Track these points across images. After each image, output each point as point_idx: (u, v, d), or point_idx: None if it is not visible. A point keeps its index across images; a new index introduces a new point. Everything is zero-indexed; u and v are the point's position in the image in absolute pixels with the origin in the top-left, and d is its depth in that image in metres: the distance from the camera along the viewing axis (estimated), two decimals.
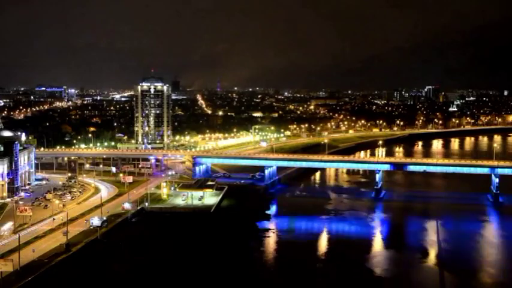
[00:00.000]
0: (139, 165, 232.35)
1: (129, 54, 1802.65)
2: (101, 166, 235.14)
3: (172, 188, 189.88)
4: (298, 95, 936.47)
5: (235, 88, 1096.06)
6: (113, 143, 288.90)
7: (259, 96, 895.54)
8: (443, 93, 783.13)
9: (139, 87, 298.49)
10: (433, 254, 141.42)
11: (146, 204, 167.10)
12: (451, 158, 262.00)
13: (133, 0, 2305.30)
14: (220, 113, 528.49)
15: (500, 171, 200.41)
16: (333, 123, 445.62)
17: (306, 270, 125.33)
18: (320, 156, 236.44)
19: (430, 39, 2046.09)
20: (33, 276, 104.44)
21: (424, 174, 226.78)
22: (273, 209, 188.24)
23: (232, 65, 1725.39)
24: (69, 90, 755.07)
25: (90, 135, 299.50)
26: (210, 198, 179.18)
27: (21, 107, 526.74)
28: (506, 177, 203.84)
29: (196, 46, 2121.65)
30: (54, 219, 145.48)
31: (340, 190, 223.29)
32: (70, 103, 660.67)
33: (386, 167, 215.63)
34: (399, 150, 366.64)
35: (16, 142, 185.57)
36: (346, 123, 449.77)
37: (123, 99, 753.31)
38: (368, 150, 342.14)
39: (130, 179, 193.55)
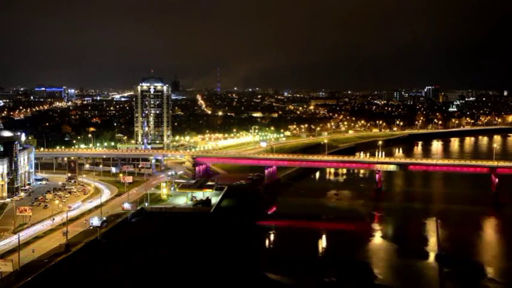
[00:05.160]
0: (139, 166, 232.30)
1: (129, 54, 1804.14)
2: (101, 166, 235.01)
3: (172, 188, 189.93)
4: (298, 95, 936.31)
5: (235, 88, 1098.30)
6: (112, 143, 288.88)
7: (259, 96, 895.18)
8: (443, 93, 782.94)
9: (139, 87, 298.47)
10: (432, 254, 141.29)
11: (146, 204, 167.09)
12: (451, 158, 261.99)
13: (134, 1, 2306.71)
14: (220, 113, 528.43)
15: (500, 171, 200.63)
16: (332, 124, 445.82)
17: (305, 270, 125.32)
18: (320, 156, 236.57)
19: (430, 39, 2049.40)
20: (33, 276, 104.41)
21: (424, 174, 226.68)
22: (272, 209, 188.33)
23: (232, 65, 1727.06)
24: (69, 90, 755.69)
25: (90, 135, 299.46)
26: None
27: (21, 107, 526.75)
28: (506, 177, 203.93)
29: (196, 46, 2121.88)
30: (54, 219, 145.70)
31: (339, 190, 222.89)
32: (70, 103, 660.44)
33: (386, 167, 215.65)
34: (399, 151, 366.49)
35: (16, 142, 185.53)
36: (345, 123, 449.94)
37: (123, 99, 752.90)
38: (368, 151, 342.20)
39: (130, 179, 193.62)
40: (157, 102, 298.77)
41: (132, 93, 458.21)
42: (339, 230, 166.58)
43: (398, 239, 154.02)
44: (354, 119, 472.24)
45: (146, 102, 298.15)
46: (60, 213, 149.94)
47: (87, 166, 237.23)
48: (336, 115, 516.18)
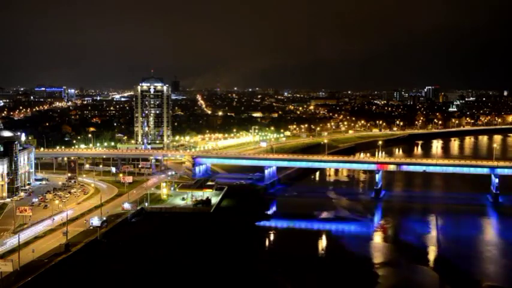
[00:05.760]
0: (139, 166, 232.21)
1: (129, 54, 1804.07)
2: (101, 166, 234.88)
3: (172, 188, 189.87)
4: (298, 95, 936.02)
5: (235, 88, 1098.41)
6: (112, 143, 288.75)
7: (259, 96, 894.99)
8: (443, 93, 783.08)
9: (139, 87, 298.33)
10: (432, 254, 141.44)
11: (146, 204, 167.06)
12: (451, 158, 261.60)
13: (134, 1, 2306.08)
14: (220, 113, 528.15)
15: (499, 171, 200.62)
16: (332, 124, 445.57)
17: (305, 270, 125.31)
18: (320, 156, 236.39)
19: (430, 39, 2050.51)
20: (33, 276, 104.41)
21: (424, 174, 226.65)
22: (272, 209, 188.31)
23: (232, 65, 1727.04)
24: (69, 90, 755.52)
25: (90, 135, 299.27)
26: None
27: (21, 107, 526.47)
28: (506, 177, 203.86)
29: (196, 46, 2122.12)
30: (54, 219, 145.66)
31: (339, 190, 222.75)
32: (70, 103, 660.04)
33: (386, 167, 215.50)
34: (399, 151, 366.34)
35: (16, 142, 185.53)
36: (345, 123, 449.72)
37: (123, 99, 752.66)
38: (368, 151, 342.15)
39: (130, 179, 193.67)
40: (157, 102, 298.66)
41: (132, 93, 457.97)
42: (338, 230, 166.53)
43: (398, 239, 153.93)
44: (354, 119, 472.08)
45: (146, 102, 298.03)
46: (60, 213, 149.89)
47: (87, 166, 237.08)
48: (336, 115, 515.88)
